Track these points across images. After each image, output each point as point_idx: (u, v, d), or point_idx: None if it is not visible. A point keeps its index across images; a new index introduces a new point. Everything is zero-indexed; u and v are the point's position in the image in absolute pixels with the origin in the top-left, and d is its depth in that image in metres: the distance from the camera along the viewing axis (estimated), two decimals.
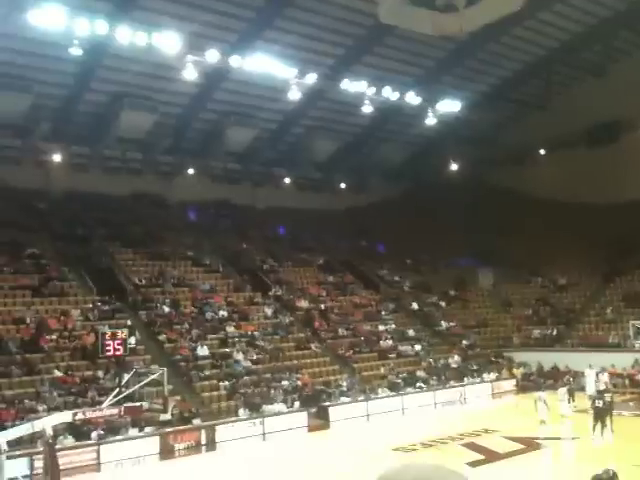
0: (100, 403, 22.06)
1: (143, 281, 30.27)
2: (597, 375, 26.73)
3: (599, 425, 19.41)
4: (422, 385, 29.47)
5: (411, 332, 34.05)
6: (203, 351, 26.86)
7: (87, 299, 28.01)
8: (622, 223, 36.02)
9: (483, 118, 38.45)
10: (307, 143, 38.39)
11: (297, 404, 25.57)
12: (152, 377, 22.96)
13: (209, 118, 35.29)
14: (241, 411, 24.21)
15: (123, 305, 28.38)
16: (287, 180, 40.35)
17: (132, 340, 24.90)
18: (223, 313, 29.84)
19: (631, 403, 25.23)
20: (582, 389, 25.60)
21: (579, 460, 19.40)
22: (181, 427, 22.37)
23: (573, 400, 24.52)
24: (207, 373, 26.02)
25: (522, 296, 38.88)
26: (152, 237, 33.63)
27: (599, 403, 19.79)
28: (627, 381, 29.48)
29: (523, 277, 39.97)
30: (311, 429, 24.65)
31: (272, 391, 25.76)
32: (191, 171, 36.78)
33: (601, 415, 19.40)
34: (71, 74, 29.23)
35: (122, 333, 24.17)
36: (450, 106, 32.91)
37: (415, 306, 36.74)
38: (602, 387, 25.20)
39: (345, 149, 39.65)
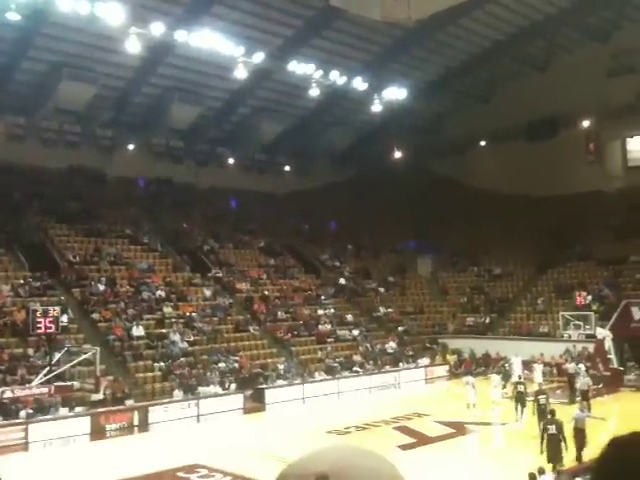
0: (30, 381, 21.50)
1: (77, 258, 29.46)
2: (522, 363, 27.53)
3: (520, 408, 21.05)
4: (358, 369, 29.83)
5: (349, 317, 34.36)
6: (138, 331, 26.39)
7: (18, 275, 27.09)
8: (557, 216, 37.19)
9: (428, 107, 38.88)
10: (253, 124, 37.96)
11: (233, 386, 25.50)
12: (84, 356, 22.53)
13: (152, 93, 34.44)
14: (176, 392, 23.97)
15: (56, 282, 27.57)
16: (231, 160, 39.84)
17: (64, 318, 24.30)
18: (160, 293, 29.38)
19: (558, 391, 26.15)
20: (508, 376, 26.36)
21: (506, 445, 20.10)
22: (113, 408, 21.98)
23: (505, 387, 25.25)
24: (142, 354, 25.61)
25: (458, 284, 39.74)
26: (89, 213, 32.70)
27: (521, 388, 21.69)
28: (555, 370, 30.57)
29: (460, 265, 40.83)
30: (246, 411, 24.65)
31: (208, 373, 25.59)
32: (132, 147, 35.86)
33: (522, 400, 21.13)
34: (8, 41, 27.99)
35: (54, 311, 23.63)
36: (396, 93, 33.10)
37: (354, 292, 37.08)
38: (519, 376, 26.10)
39: (291, 132, 39.43)
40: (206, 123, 36.80)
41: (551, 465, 14.55)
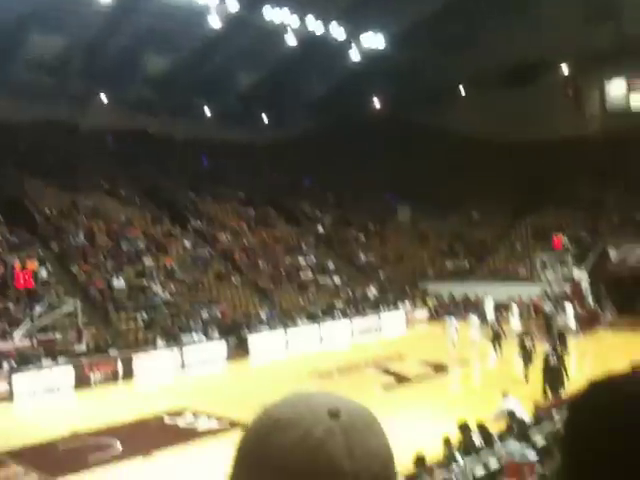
0: (11, 334, 21.49)
1: (54, 212, 29.14)
2: (498, 304, 28.10)
3: (497, 345, 22.22)
4: (340, 315, 30.15)
5: (331, 265, 34.56)
6: (119, 283, 26.35)
7: None
8: (536, 161, 37.26)
9: (406, 54, 38.32)
10: (228, 73, 37.25)
11: (216, 334, 25.69)
12: (65, 309, 22.54)
13: (124, 42, 33.49)
14: (159, 341, 24.11)
15: (33, 236, 27.31)
16: (207, 111, 39.23)
17: (43, 272, 24.20)
18: (140, 245, 29.25)
19: (535, 331, 26.67)
20: (484, 317, 26.88)
21: (483, 383, 20.59)
22: (97, 358, 22.10)
23: (483, 327, 25.67)
24: (124, 305, 25.62)
25: (438, 230, 39.99)
26: (64, 166, 32.19)
27: (496, 327, 23.13)
28: (532, 311, 31.14)
29: (440, 212, 40.99)
30: (230, 358, 24.91)
31: (191, 322, 25.73)
32: (105, 98, 35.13)
33: (499, 337, 22.39)
34: None
35: (32, 265, 23.53)
36: (374, 40, 32.64)
37: (335, 240, 37.22)
38: (495, 315, 26.75)
39: (268, 81, 38.76)
40: (180, 73, 35.99)
41: (551, 393, 15.43)
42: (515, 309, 27.32)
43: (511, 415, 12.25)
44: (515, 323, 26.29)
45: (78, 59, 32.74)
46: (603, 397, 0.79)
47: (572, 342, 22.56)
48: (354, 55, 32.98)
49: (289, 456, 0.76)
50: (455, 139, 40.99)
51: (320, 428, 0.77)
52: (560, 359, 16.00)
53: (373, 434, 0.82)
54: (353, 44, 32.31)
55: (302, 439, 0.76)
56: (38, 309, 22.47)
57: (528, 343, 18.35)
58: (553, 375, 16.05)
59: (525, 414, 12.72)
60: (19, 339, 21.27)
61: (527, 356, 17.91)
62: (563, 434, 0.84)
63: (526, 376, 17.81)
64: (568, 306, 26.43)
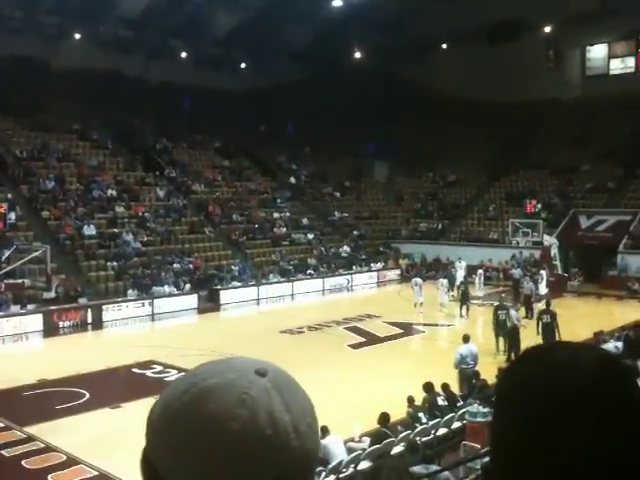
0: None
1: (24, 154, 28.36)
2: (466, 267, 28.47)
3: (464, 308, 22.93)
4: (312, 272, 30.24)
5: (305, 221, 34.45)
6: (90, 230, 25.94)
7: None
8: (514, 122, 37.18)
9: (390, 4, 37.42)
10: (206, 14, 35.98)
11: (188, 287, 25.59)
12: (34, 254, 22.11)
13: None
14: (130, 292, 23.95)
15: (2, 178, 26.61)
16: (184, 54, 38.13)
17: (12, 215, 23.69)
18: (112, 192, 28.74)
19: (503, 294, 27.08)
20: (453, 279, 27.18)
21: (449, 343, 20.92)
22: (66, 305, 21.89)
23: (450, 290, 26.02)
24: (94, 253, 25.29)
25: (413, 190, 40.03)
26: (34, 105, 31.16)
27: (464, 288, 24.14)
28: (501, 275, 31.62)
29: (416, 171, 40.96)
30: (201, 312, 24.90)
31: (162, 273, 25.55)
32: (78, 36, 33.88)
33: (466, 299, 23.26)
34: None
35: (1, 207, 22.95)
36: None
37: (310, 195, 37.03)
38: (463, 277, 27.13)
39: (247, 26, 37.58)
40: (157, 12, 34.71)
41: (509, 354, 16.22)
42: (479, 275, 27.65)
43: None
44: (479, 288, 26.72)
45: None
46: (534, 363, 0.80)
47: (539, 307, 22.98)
48: (337, 1, 32.17)
49: (230, 419, 0.76)
50: (436, 95, 40.56)
51: (254, 388, 0.79)
52: (554, 318, 16.58)
53: (297, 386, 0.84)
54: None
55: (240, 400, 0.77)
56: (6, 252, 22.04)
57: (502, 317, 17.50)
58: (513, 337, 16.50)
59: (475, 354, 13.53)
60: None
61: (501, 329, 17.60)
62: (494, 401, 0.85)
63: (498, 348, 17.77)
64: (543, 272, 26.79)
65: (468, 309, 22.97)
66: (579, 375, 0.77)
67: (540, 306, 20.08)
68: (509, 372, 0.83)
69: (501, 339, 17.22)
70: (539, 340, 17.58)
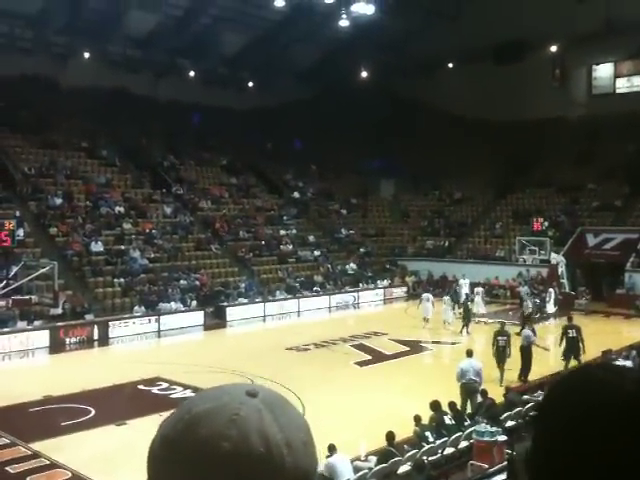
0: None
1: (33, 170, 28.60)
2: (471, 285, 28.40)
3: (466, 323, 23.19)
4: (318, 289, 30.21)
5: (311, 238, 34.50)
6: (97, 247, 26.06)
7: None
8: (519, 141, 37.32)
9: (395, 24, 37.74)
10: (214, 34, 36.38)
11: (194, 303, 25.61)
12: (42, 270, 22.18)
13: None
14: (136, 308, 23.98)
15: (11, 195, 26.82)
16: (192, 73, 38.47)
17: (20, 232, 23.79)
18: (119, 209, 28.89)
19: (510, 312, 27.01)
20: (458, 297, 27.09)
21: (455, 361, 20.79)
22: (73, 321, 21.94)
23: (459, 307, 25.89)
24: (101, 269, 25.38)
25: (420, 207, 40.07)
26: (43, 123, 31.48)
27: (468, 306, 24.14)
28: (508, 292, 31.51)
29: (422, 189, 41.03)
30: (207, 328, 24.88)
31: (169, 290, 25.59)
32: (87, 54, 34.25)
33: (468, 316, 23.36)
34: None
35: (9, 224, 23.03)
36: (364, 8, 32.16)
37: (316, 212, 37.10)
38: (466, 294, 27.07)
39: (254, 45, 38.03)
40: (165, 32, 35.15)
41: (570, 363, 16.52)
42: (479, 295, 27.42)
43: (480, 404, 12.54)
44: (479, 307, 26.53)
45: (60, 14, 31.77)
46: (577, 381, 0.83)
47: (551, 325, 22.91)
48: (343, 21, 32.50)
49: (221, 440, 0.76)
50: (441, 114, 40.80)
51: (245, 408, 0.79)
52: (579, 332, 16.96)
53: (290, 406, 0.85)
54: (342, 9, 31.80)
55: (230, 421, 0.78)
56: (14, 269, 22.13)
57: (502, 343, 16.63)
58: (525, 356, 16.42)
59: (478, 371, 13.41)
60: None
61: (501, 356, 16.96)
62: (536, 414, 0.87)
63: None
64: (552, 290, 26.69)
65: (469, 326, 23.08)
66: (623, 395, 0.79)
67: (552, 323, 19.96)
68: (554, 390, 0.85)
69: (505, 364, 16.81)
70: (544, 356, 17.58)
